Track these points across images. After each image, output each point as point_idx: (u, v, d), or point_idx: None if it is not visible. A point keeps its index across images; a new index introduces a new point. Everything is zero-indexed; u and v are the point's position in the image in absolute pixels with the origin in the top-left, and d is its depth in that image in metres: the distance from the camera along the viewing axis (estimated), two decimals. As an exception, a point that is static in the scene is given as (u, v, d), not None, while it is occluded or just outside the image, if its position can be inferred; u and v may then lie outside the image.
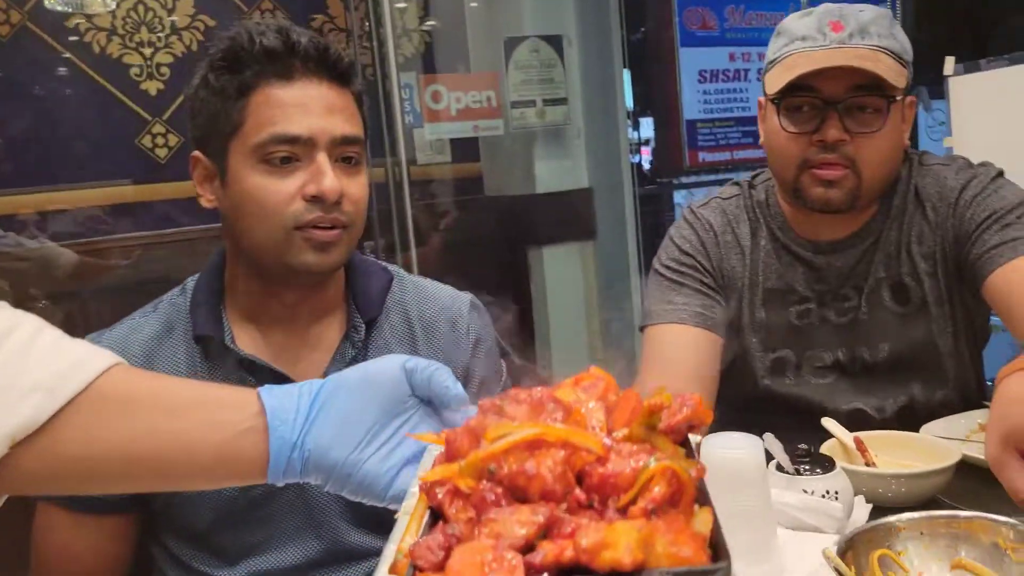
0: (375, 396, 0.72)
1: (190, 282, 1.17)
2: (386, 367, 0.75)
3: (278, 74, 1.05)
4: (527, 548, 0.45)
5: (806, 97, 1.27)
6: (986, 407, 1.41)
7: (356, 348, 1.14)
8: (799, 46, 1.27)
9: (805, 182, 1.31)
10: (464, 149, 3.46)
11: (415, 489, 0.55)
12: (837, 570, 0.82)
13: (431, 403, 0.75)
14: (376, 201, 3.17)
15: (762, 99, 1.38)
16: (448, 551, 0.46)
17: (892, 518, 0.90)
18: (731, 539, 0.80)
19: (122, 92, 2.96)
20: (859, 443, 1.23)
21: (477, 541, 0.46)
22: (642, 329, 1.46)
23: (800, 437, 1.31)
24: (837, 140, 1.25)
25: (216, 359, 1.10)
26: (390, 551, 0.50)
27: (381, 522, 1.06)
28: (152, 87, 3.00)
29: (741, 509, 0.88)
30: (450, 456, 0.54)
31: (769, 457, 1.09)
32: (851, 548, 0.85)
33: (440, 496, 0.50)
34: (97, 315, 2.70)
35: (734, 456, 0.88)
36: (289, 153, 1.04)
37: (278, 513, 1.10)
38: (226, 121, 1.05)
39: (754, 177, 1.52)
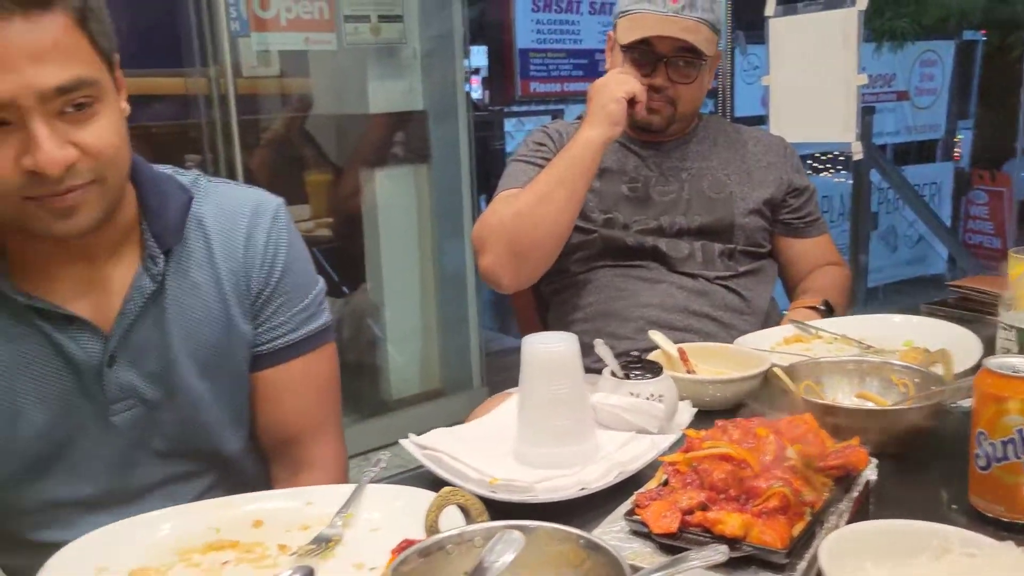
0: None
1: None
2: None
3: None
4: (688, 511, 0.82)
5: (645, 49, 1.66)
6: (793, 323, 1.54)
7: (155, 282, 1.03)
8: (646, 7, 1.64)
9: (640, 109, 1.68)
10: (294, 63, 3.31)
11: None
12: (782, 383, 1.15)
13: None
14: (201, 114, 2.99)
15: (612, 34, 1.72)
16: (655, 500, 0.84)
17: (819, 358, 1.25)
18: (550, 422, 1.03)
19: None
20: (682, 353, 1.31)
21: (664, 500, 0.84)
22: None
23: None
24: (662, 86, 1.67)
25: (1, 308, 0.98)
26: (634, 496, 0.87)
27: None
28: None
29: (557, 395, 1.00)
30: (687, 449, 0.91)
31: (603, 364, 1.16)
32: (789, 375, 1.16)
33: (670, 470, 0.90)
34: None
35: (549, 350, 1.01)
36: None
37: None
38: None
39: None
